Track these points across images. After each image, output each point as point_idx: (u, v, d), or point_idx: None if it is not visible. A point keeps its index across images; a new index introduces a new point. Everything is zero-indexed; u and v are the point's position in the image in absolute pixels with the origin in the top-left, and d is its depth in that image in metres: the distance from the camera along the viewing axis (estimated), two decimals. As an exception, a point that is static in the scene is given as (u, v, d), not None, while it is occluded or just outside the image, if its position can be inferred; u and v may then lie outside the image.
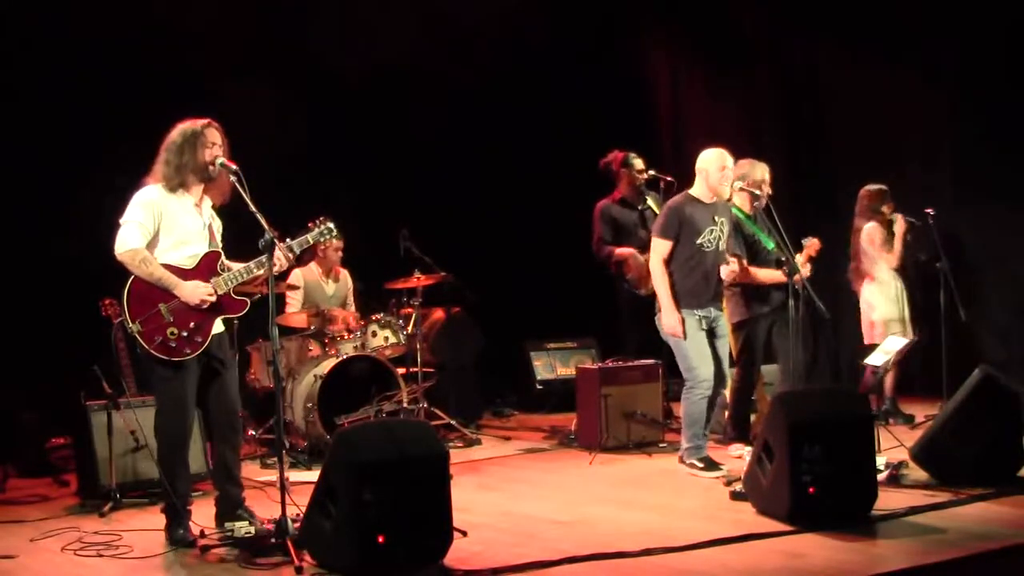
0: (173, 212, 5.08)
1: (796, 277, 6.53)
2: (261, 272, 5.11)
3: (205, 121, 5.13)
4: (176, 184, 5.09)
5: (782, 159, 7.28)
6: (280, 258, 5.08)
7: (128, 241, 5.00)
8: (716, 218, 6.46)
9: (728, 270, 6.52)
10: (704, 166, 6.46)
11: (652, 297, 7.38)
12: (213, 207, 5.28)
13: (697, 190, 6.50)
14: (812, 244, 7.05)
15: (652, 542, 4.80)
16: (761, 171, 6.92)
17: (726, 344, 6.65)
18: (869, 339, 7.87)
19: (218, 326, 5.20)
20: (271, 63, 8.35)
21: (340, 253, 7.71)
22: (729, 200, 6.70)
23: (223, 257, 5.20)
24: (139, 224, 5.02)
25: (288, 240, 5.22)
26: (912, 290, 7.90)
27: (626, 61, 10.45)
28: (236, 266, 5.18)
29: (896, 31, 8.93)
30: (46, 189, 7.38)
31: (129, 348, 6.27)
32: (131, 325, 4.99)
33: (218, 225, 5.30)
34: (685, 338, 6.35)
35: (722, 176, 6.42)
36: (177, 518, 5.11)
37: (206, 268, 5.13)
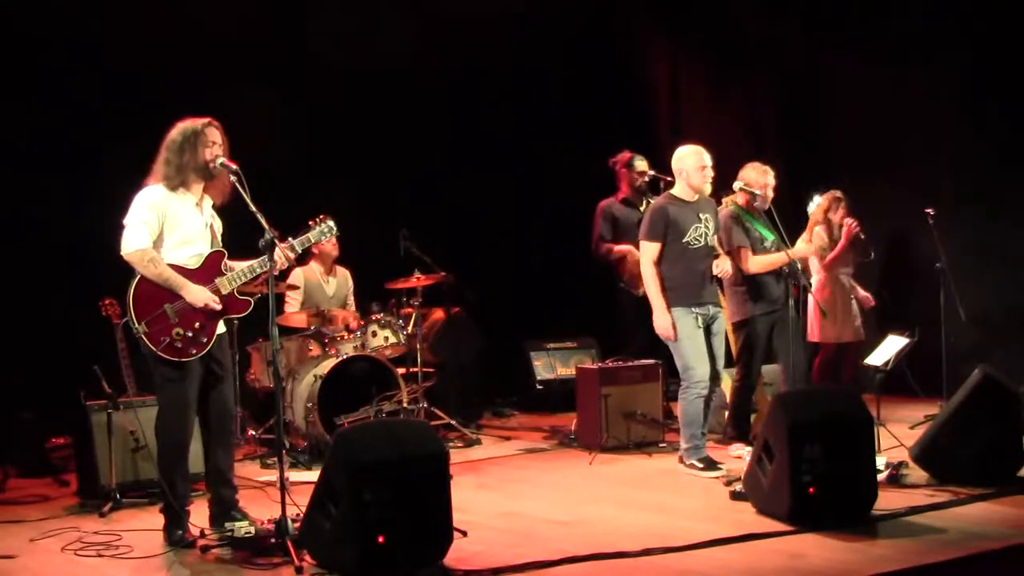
0: (175, 212, 5.08)
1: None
2: (265, 271, 5.10)
3: (205, 120, 5.13)
4: (177, 183, 5.09)
5: (782, 159, 7.28)
6: (280, 257, 5.08)
7: (135, 241, 4.99)
8: (700, 215, 6.45)
9: (722, 268, 6.47)
10: (682, 166, 6.44)
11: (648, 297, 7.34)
12: (213, 206, 5.28)
13: (678, 190, 6.49)
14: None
15: (652, 542, 4.80)
16: (760, 174, 6.90)
17: (722, 341, 6.62)
18: (812, 336, 7.83)
19: (219, 327, 5.20)
20: (271, 62, 8.34)
21: (335, 242, 7.65)
22: (726, 195, 6.69)
23: (226, 257, 5.20)
24: (145, 223, 5.01)
25: (289, 239, 5.22)
26: (849, 296, 7.86)
27: (626, 61, 10.45)
28: (239, 266, 5.18)
29: (896, 31, 8.93)
30: (46, 189, 7.38)
31: (130, 348, 6.27)
32: (136, 326, 4.97)
33: (218, 225, 5.30)
34: (676, 340, 6.34)
35: (703, 175, 6.40)
36: (175, 519, 5.11)
37: (210, 268, 5.13)
